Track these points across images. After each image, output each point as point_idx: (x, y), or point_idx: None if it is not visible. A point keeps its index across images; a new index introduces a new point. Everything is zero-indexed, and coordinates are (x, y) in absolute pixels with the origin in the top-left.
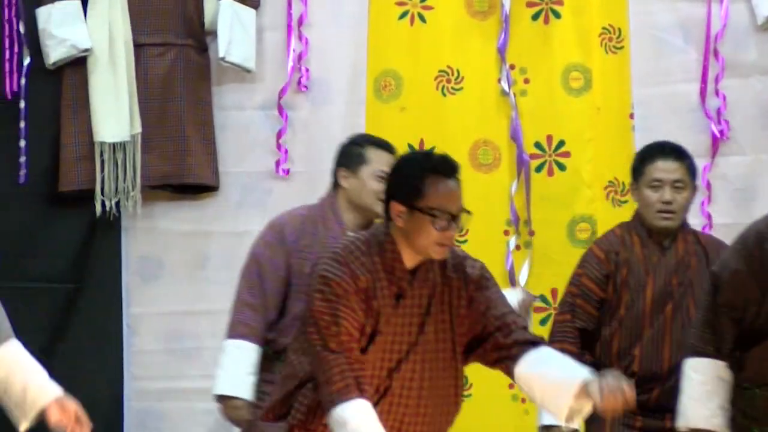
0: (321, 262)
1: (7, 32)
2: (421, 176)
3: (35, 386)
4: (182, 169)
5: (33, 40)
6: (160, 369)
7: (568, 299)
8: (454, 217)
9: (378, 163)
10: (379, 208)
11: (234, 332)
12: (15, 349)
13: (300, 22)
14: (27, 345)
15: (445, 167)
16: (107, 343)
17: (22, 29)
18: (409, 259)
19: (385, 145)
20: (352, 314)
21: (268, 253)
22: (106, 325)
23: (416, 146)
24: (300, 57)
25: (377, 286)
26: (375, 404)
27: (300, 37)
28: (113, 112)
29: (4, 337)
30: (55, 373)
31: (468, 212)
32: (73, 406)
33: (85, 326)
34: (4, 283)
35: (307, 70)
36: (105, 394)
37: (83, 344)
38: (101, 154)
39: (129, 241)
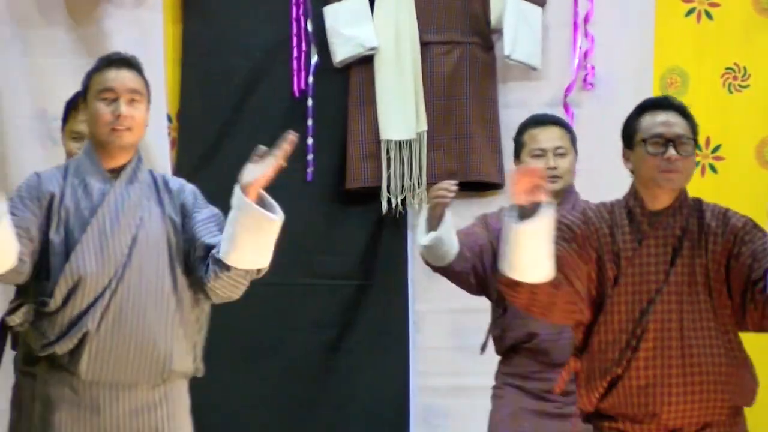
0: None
1: (295, 31)
2: (634, 117)
3: None
4: (467, 166)
5: (320, 38)
6: (445, 365)
7: None
8: (671, 142)
9: (532, 142)
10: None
11: None
12: None
13: (586, 20)
14: (316, 340)
15: (657, 102)
16: (393, 339)
17: (310, 28)
18: (652, 202)
19: (535, 121)
20: (571, 253)
21: (470, 227)
22: (392, 321)
23: (701, 144)
24: (586, 54)
25: (618, 231)
26: (635, 349)
27: (586, 35)
28: (399, 111)
29: None
30: (342, 368)
31: (690, 138)
32: None
33: (372, 323)
34: (295, 280)
35: (593, 67)
36: (391, 390)
37: (370, 340)
38: (387, 152)
39: (415, 238)
